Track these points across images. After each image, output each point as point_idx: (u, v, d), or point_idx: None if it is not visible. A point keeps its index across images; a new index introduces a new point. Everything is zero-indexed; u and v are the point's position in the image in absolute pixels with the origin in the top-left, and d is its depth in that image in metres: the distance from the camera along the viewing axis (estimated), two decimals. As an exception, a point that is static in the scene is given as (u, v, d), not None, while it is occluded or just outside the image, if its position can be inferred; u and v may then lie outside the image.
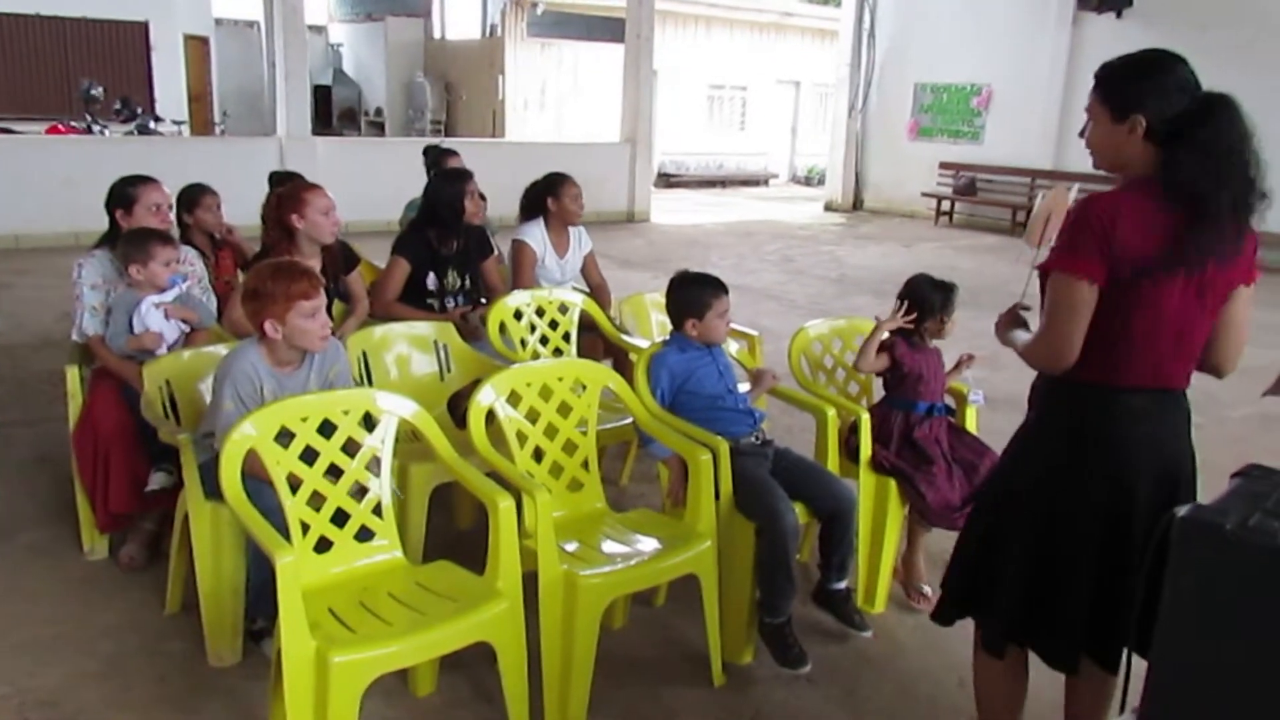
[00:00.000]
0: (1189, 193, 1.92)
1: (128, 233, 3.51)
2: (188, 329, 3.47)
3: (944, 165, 14.73)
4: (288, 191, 3.78)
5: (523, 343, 3.98)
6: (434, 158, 5.70)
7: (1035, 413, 2.23)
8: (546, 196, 4.60)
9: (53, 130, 11.97)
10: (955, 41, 14.49)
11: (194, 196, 4.48)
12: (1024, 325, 2.33)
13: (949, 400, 3.48)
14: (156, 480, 3.24)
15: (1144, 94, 1.99)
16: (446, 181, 4.36)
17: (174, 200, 4.11)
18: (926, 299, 3.32)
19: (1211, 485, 2.08)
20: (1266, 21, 11.11)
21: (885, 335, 3.31)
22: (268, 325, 2.72)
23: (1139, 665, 1.70)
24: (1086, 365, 2.02)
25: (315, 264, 3.78)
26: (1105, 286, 1.96)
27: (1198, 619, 1.41)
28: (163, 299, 3.41)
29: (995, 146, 14.16)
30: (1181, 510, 1.40)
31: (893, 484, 3.23)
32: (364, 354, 3.55)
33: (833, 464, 3.31)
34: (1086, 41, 12.90)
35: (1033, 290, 2.24)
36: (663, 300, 3.33)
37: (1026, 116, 13.51)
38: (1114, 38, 12.48)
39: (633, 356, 3.93)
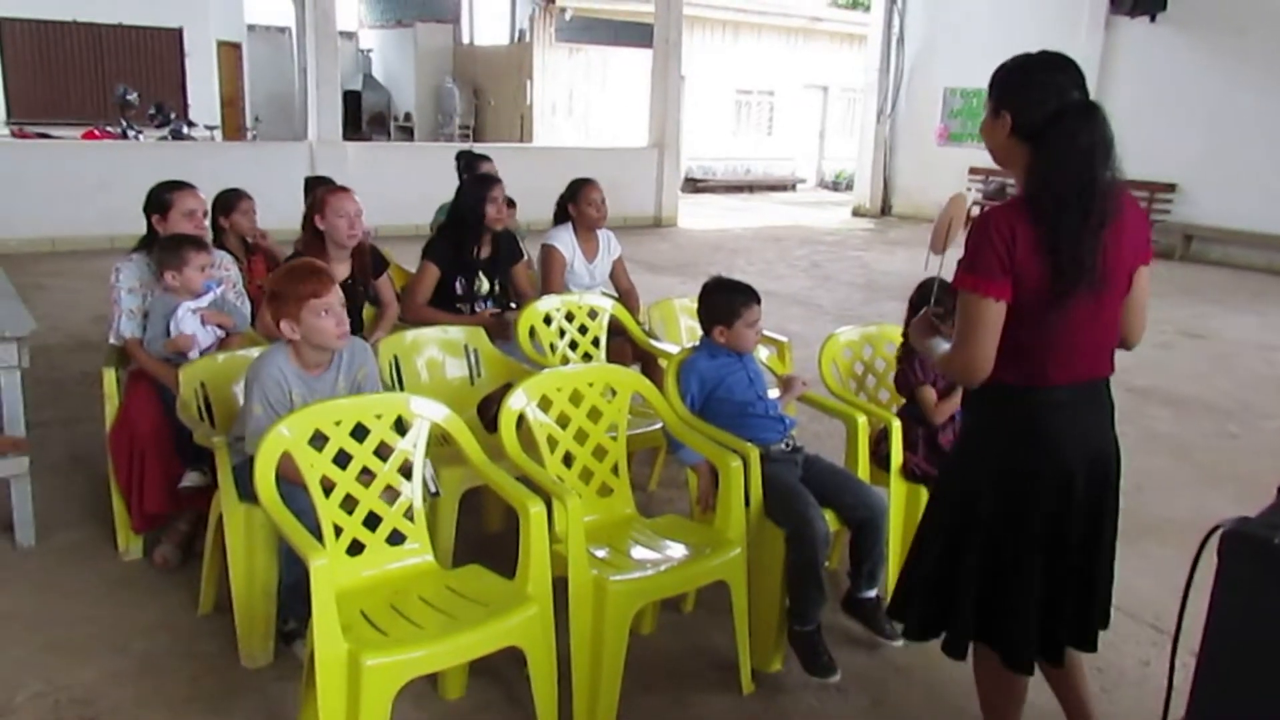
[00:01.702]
0: (1035, 208, 1.98)
1: (163, 240, 3.56)
2: (223, 334, 3.51)
3: (973, 170, 14.62)
4: (318, 194, 3.85)
5: (552, 347, 3.99)
6: (466, 162, 5.73)
7: (970, 419, 2.29)
8: (569, 201, 4.62)
9: (88, 135, 12.16)
10: (985, 46, 14.30)
11: (230, 201, 4.53)
12: (938, 331, 2.36)
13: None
14: (190, 479, 3.29)
15: (1012, 91, 2.07)
16: (470, 187, 4.39)
17: (209, 205, 4.16)
18: (940, 302, 3.30)
19: (1248, 496, 2.06)
20: (1304, 26, 10.97)
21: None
22: (284, 325, 2.75)
23: (1178, 678, 1.67)
24: (1010, 370, 2.06)
25: (344, 268, 3.83)
26: (1013, 302, 2.00)
27: (1244, 633, 1.39)
28: (199, 304, 3.45)
29: (1026, 152, 14.04)
30: (1228, 524, 1.38)
31: (924, 492, 3.20)
32: (395, 358, 3.57)
33: (863, 471, 3.29)
34: (1119, 46, 12.77)
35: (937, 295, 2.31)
36: (692, 305, 3.33)
37: (1058, 122, 13.38)
38: (1147, 42, 12.36)
39: (662, 362, 3.93)
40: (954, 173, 14.79)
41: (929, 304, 2.44)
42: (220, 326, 3.50)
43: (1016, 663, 2.21)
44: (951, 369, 2.16)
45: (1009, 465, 2.14)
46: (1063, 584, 2.17)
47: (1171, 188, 12.12)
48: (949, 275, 2.16)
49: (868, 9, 17.57)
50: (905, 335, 3.41)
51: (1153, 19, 12.30)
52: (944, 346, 2.22)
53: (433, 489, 2.79)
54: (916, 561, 2.35)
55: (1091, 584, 2.22)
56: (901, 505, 3.23)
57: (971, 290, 2.02)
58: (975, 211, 2.60)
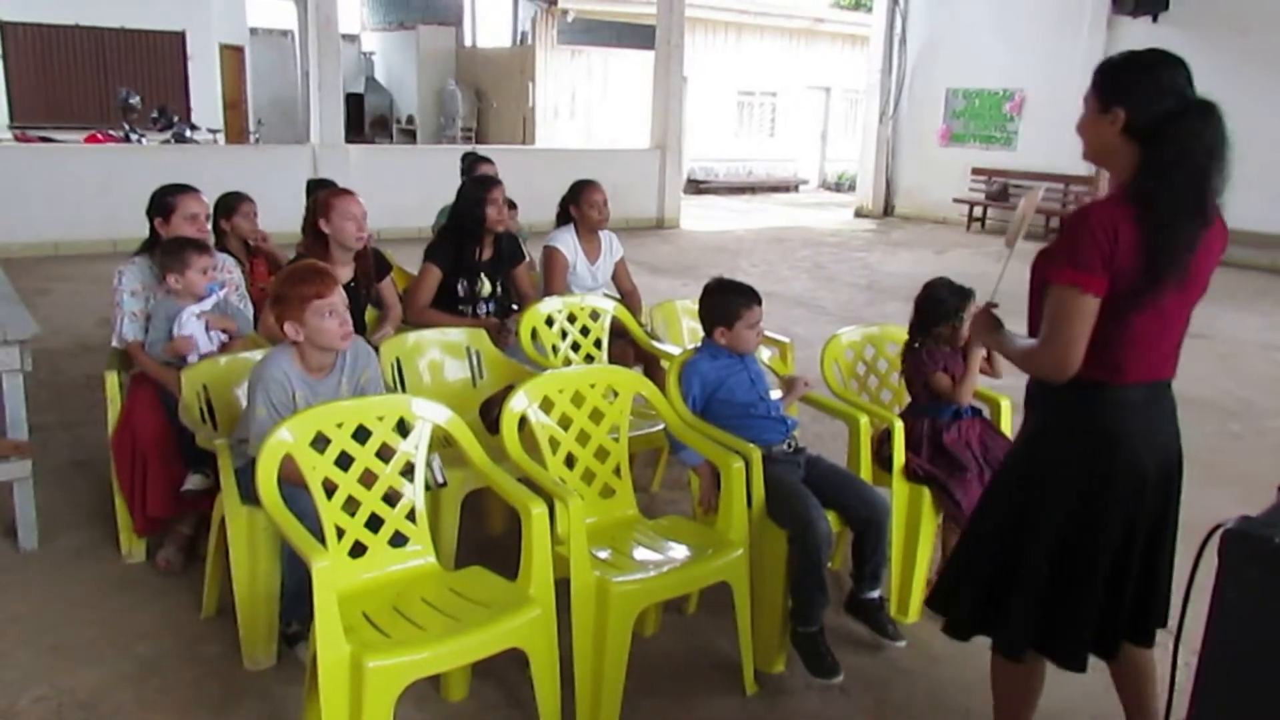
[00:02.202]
0: (1148, 204, 1.95)
1: (164, 243, 3.56)
2: (225, 338, 3.51)
3: (976, 171, 14.62)
4: (321, 197, 3.85)
5: (554, 349, 3.99)
6: (468, 164, 5.74)
7: (1038, 417, 2.23)
8: (571, 203, 4.63)
9: (91, 139, 12.17)
10: (987, 46, 14.39)
11: (231, 204, 4.54)
12: (1002, 326, 2.32)
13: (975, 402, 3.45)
14: (193, 481, 3.29)
15: (1128, 88, 2.02)
16: (470, 189, 4.39)
17: (211, 209, 4.16)
18: (943, 303, 3.31)
19: (1250, 496, 2.05)
20: (1307, 25, 10.95)
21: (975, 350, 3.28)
22: (288, 327, 2.75)
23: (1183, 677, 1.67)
24: (1087, 365, 2.03)
25: (347, 271, 3.83)
26: (1107, 295, 1.98)
27: (1246, 632, 1.38)
28: (202, 308, 3.45)
29: (1028, 152, 14.03)
30: (1229, 523, 1.38)
31: (926, 492, 3.20)
32: (397, 360, 3.58)
33: (865, 472, 3.28)
34: (1121, 46, 12.55)
35: (1002, 288, 2.29)
36: (694, 307, 3.34)
37: (1060, 122, 13.22)
38: (1149, 42, 12.08)
39: (664, 363, 3.93)
40: (956, 173, 14.80)
41: (989, 300, 2.39)
42: (224, 330, 3.51)
43: (1073, 663, 2.19)
44: (1038, 364, 2.10)
45: (1084, 468, 2.11)
46: (1123, 583, 2.15)
47: (1174, 187, 12.10)
48: (1015, 271, 2.18)
49: (870, 10, 17.57)
50: (911, 333, 3.41)
51: (1155, 19, 12.30)
52: (1022, 341, 2.18)
53: (439, 479, 2.79)
54: (969, 560, 2.31)
55: (1153, 582, 2.20)
56: (904, 506, 3.23)
57: (1070, 284, 1.98)
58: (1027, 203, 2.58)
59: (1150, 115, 1.97)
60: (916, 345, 3.38)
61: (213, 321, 3.47)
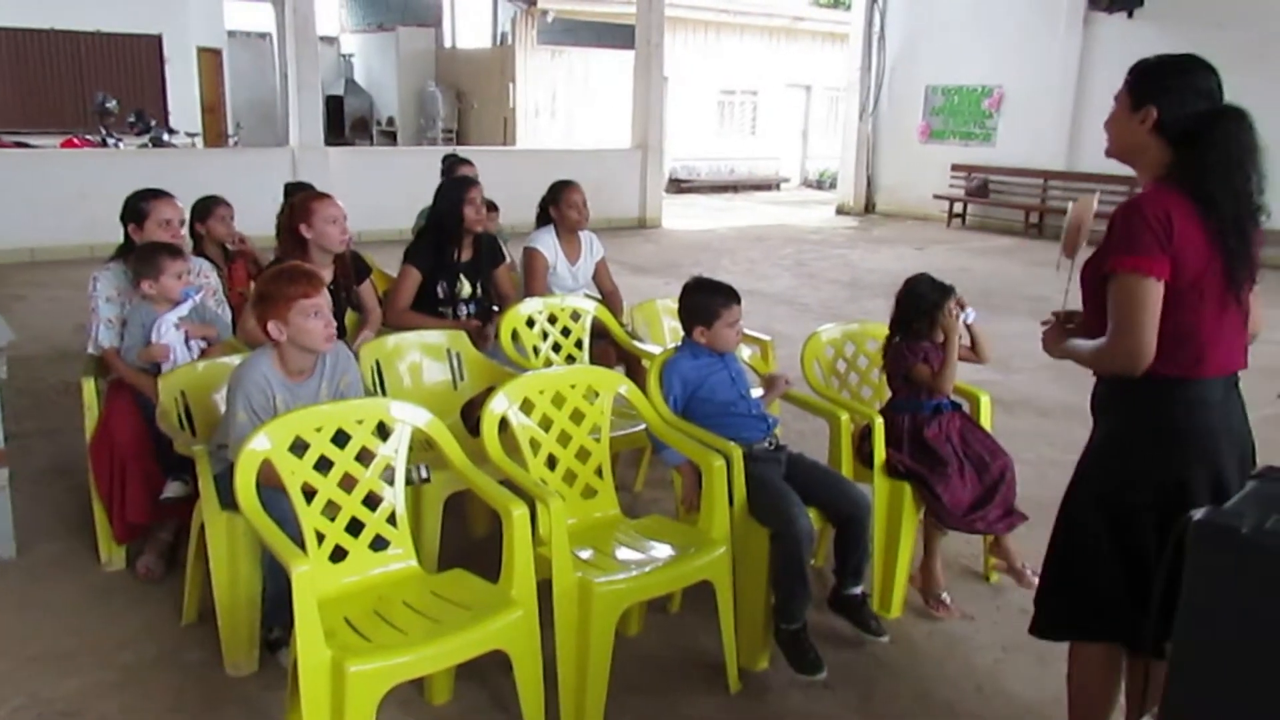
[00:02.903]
0: (1212, 205, 1.99)
1: (138, 249, 3.54)
2: (205, 345, 3.48)
3: (956, 167, 14.69)
4: (298, 201, 3.83)
5: (535, 350, 3.99)
6: (448, 166, 5.73)
7: (1113, 421, 2.20)
8: (550, 204, 4.62)
9: (67, 143, 12.06)
10: (966, 43, 14.45)
11: (207, 207, 4.51)
12: (1069, 335, 2.30)
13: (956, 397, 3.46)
14: (172, 489, 3.27)
15: (1161, 88, 2.08)
16: (448, 190, 4.38)
17: (187, 214, 4.13)
18: (923, 298, 3.33)
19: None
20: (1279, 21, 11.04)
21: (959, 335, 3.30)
22: (271, 327, 2.74)
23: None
24: (1163, 360, 2.02)
25: (327, 274, 3.80)
26: (1170, 282, 1.99)
27: (1214, 622, 1.40)
28: (179, 313, 3.42)
29: (1007, 148, 14.11)
30: (1197, 513, 1.40)
31: (907, 488, 3.22)
32: (377, 363, 3.57)
33: (846, 468, 3.30)
34: (1097, 42, 12.85)
35: (1071, 299, 2.26)
36: (675, 306, 3.34)
37: (1038, 118, 13.46)
38: (1125, 38, 12.43)
39: (645, 363, 3.93)
40: (937, 170, 14.86)
41: (1060, 313, 2.37)
42: (204, 338, 3.47)
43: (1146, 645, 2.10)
44: (1112, 357, 2.08)
45: (1164, 471, 2.07)
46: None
47: (1152, 182, 12.19)
48: (1078, 282, 2.18)
49: (849, 8, 17.62)
50: (892, 328, 3.42)
51: (1130, 15, 12.39)
52: (1092, 344, 2.16)
53: (423, 474, 2.79)
54: (1069, 574, 2.26)
55: None
56: (885, 502, 3.24)
57: (1132, 270, 1.99)
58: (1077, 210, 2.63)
59: (1181, 115, 2.04)
60: (897, 340, 3.40)
61: (192, 330, 3.44)
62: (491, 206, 4.64)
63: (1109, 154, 2.22)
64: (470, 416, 3.55)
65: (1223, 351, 2.08)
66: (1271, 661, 1.39)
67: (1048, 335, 2.37)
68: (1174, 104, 2.06)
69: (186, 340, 3.43)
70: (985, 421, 3.52)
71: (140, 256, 3.46)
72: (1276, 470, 1.61)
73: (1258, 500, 1.47)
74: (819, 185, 21.72)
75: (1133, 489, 2.12)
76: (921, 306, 3.33)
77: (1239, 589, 1.35)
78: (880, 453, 3.25)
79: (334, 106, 20.83)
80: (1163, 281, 1.99)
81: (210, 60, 17.56)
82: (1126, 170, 2.25)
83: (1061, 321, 2.36)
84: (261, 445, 2.46)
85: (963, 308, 3.33)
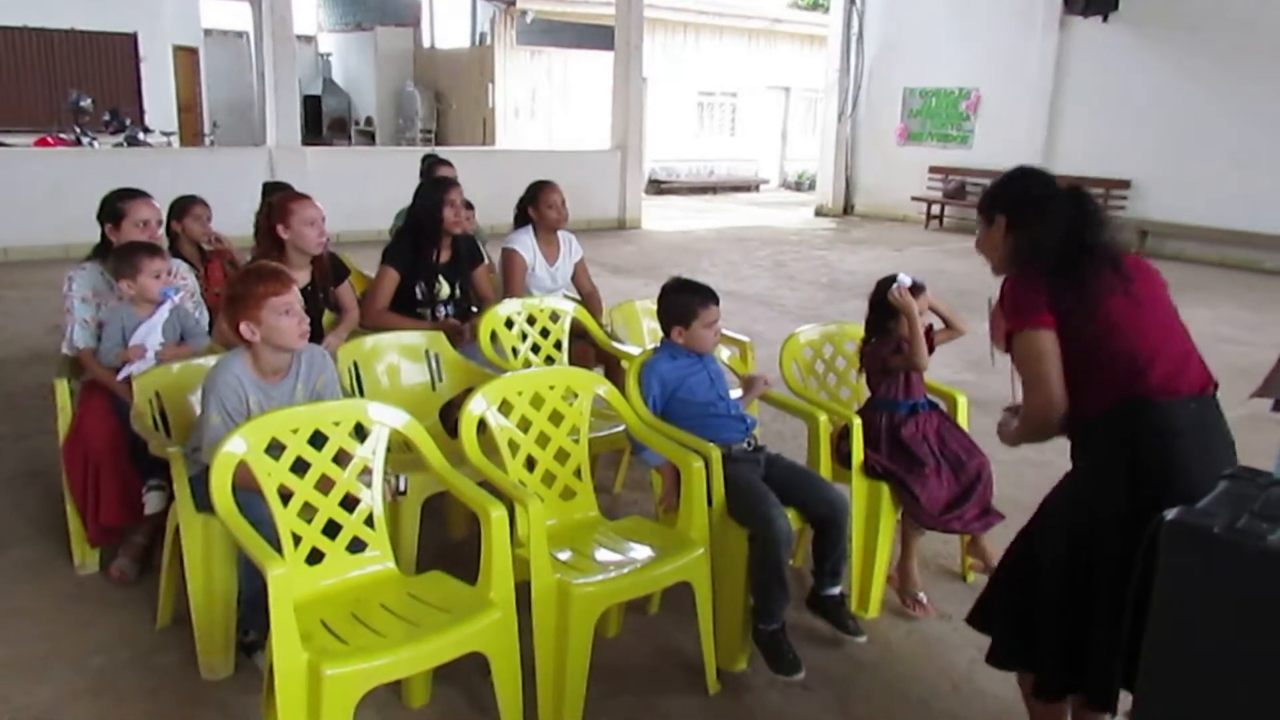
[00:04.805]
0: (1037, 253, 2.27)
1: (116, 249, 3.51)
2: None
3: (933, 169, 14.78)
4: (276, 202, 3.80)
5: (514, 351, 3.98)
6: (427, 166, 5.70)
7: (1083, 460, 2.28)
8: (528, 204, 4.61)
9: (41, 142, 11.93)
10: (943, 46, 14.54)
11: (183, 206, 4.48)
12: (1011, 415, 2.47)
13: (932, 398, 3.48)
14: (152, 503, 3.22)
15: (1002, 200, 2.43)
16: (426, 190, 4.36)
17: (164, 214, 4.10)
18: (885, 322, 3.36)
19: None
20: (1253, 24, 11.16)
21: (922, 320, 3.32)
22: (244, 327, 2.72)
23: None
24: (1114, 387, 2.15)
25: (304, 275, 3.79)
26: (1063, 326, 2.19)
27: (1186, 622, 1.41)
28: (161, 315, 3.37)
29: (984, 150, 14.20)
30: (1170, 513, 1.41)
31: (885, 488, 3.23)
32: (355, 364, 3.55)
33: (825, 469, 3.31)
34: (1073, 45, 12.96)
35: (1018, 388, 2.38)
36: (653, 307, 3.34)
37: (1015, 120, 13.56)
38: (1101, 41, 12.55)
39: (624, 364, 3.93)
40: (914, 172, 14.95)
41: (1011, 407, 2.49)
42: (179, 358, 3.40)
43: (1104, 700, 2.19)
44: (1032, 413, 2.26)
45: (1137, 507, 2.00)
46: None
47: (1126, 184, 12.31)
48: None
49: (827, 10, 17.67)
50: (868, 329, 3.44)
51: (1105, 19, 12.50)
52: (1014, 420, 2.40)
53: (401, 487, 2.78)
54: (1020, 595, 2.29)
55: None
56: (863, 502, 3.25)
57: (1023, 329, 2.21)
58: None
59: (1021, 212, 2.36)
60: (873, 341, 3.41)
61: (166, 354, 3.36)
62: (468, 206, 4.63)
63: (995, 273, 2.45)
64: (449, 418, 3.54)
65: (1164, 362, 2.16)
66: (1243, 661, 1.41)
67: (1001, 428, 2.50)
68: (1015, 205, 2.38)
69: (158, 362, 3.35)
70: (962, 421, 3.54)
71: (119, 255, 3.43)
72: (1246, 469, 1.62)
73: (1229, 499, 1.49)
74: (798, 187, 21.80)
75: (1101, 526, 2.13)
76: (885, 304, 3.35)
77: (1211, 589, 1.37)
78: (858, 453, 3.27)
79: (312, 106, 20.73)
80: (1048, 331, 2.18)
81: (186, 59, 17.42)
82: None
83: (1010, 413, 2.47)
84: (237, 448, 2.44)
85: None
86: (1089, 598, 2.13)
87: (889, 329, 3.35)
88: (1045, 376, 2.19)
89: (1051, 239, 2.26)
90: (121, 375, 3.30)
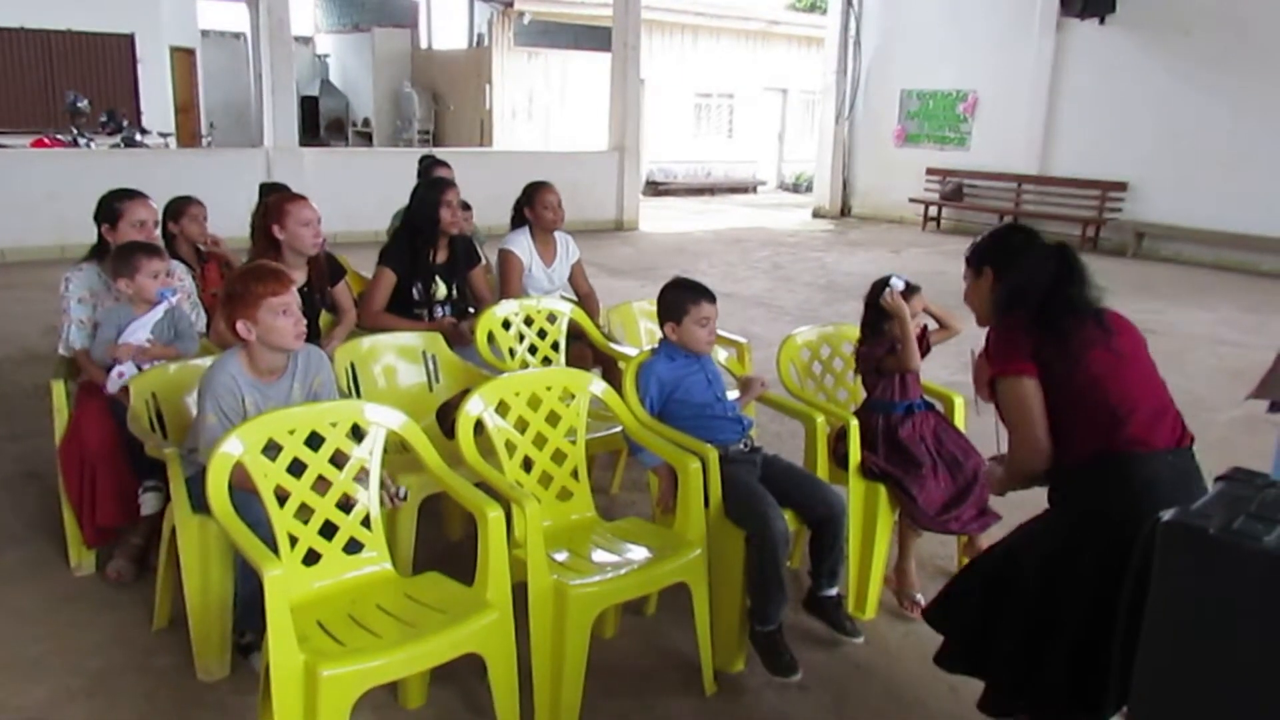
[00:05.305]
0: (1010, 297, 2.39)
1: (116, 248, 3.50)
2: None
3: (931, 171, 14.78)
4: (272, 202, 3.81)
5: (511, 352, 3.98)
6: (425, 167, 5.70)
7: (1061, 510, 2.34)
8: (524, 205, 4.61)
9: (38, 143, 11.92)
10: (941, 48, 14.55)
11: (179, 207, 4.47)
12: (998, 464, 2.55)
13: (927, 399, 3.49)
14: (149, 504, 3.22)
15: (989, 253, 2.55)
16: (423, 191, 4.36)
17: (160, 215, 4.10)
18: (878, 331, 3.36)
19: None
20: (1248, 27, 11.18)
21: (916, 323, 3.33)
22: (240, 326, 2.72)
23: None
24: (1089, 440, 2.22)
25: (300, 276, 3.78)
26: (1046, 376, 2.27)
27: (1182, 622, 1.41)
28: (154, 316, 3.37)
29: (982, 152, 14.21)
30: (1166, 515, 1.41)
31: (882, 490, 3.23)
32: (352, 365, 3.54)
33: (822, 470, 3.31)
34: (1070, 47, 12.97)
35: (1003, 437, 2.46)
36: (650, 308, 3.34)
37: (1012, 122, 13.57)
38: (1097, 43, 12.57)
39: (621, 365, 3.93)
40: (912, 173, 14.95)
41: (998, 457, 2.58)
42: (165, 358, 3.39)
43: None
44: (1018, 459, 2.34)
45: (1110, 554, 2.09)
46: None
47: (1123, 186, 12.32)
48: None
49: (825, 12, 17.69)
50: (863, 330, 3.45)
51: (1102, 21, 12.51)
52: (1000, 468, 2.48)
53: (401, 495, 2.77)
54: (982, 602, 2.36)
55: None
56: (860, 504, 3.25)
57: (1006, 375, 2.30)
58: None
59: (1007, 265, 2.47)
60: (867, 341, 3.41)
61: (154, 352, 3.35)
62: (465, 207, 4.63)
63: (980, 324, 2.56)
64: (445, 419, 3.54)
65: (1143, 415, 2.23)
66: (1238, 661, 1.41)
67: (990, 479, 2.57)
68: (1000, 256, 2.51)
69: (139, 367, 3.33)
70: (959, 422, 3.54)
71: (118, 255, 3.42)
72: (1242, 471, 1.63)
73: (1224, 501, 1.49)
74: (795, 188, 21.80)
75: (1074, 567, 2.18)
76: (879, 305, 3.36)
77: (1206, 590, 1.37)
78: (855, 454, 3.27)
79: (309, 107, 20.70)
80: (1031, 379, 2.27)
81: (184, 60, 17.41)
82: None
83: (997, 461, 2.54)
84: (234, 448, 2.44)
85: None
86: (1053, 627, 2.20)
87: (883, 330, 3.35)
88: (1028, 422, 2.27)
89: (1034, 288, 2.37)
90: (112, 388, 3.28)
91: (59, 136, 12.44)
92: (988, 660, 2.32)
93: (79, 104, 12.75)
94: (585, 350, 4.28)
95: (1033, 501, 2.46)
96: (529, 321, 4.09)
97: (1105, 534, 2.14)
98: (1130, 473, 2.19)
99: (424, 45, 22.49)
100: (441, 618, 2.41)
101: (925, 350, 3.41)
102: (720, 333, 3.41)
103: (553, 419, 3.03)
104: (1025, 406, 2.27)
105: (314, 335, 3.67)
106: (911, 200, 14.86)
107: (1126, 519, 2.08)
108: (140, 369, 3.30)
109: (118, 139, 12.43)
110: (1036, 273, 2.40)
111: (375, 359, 3.65)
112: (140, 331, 3.37)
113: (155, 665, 2.89)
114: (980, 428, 3.10)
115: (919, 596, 3.35)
